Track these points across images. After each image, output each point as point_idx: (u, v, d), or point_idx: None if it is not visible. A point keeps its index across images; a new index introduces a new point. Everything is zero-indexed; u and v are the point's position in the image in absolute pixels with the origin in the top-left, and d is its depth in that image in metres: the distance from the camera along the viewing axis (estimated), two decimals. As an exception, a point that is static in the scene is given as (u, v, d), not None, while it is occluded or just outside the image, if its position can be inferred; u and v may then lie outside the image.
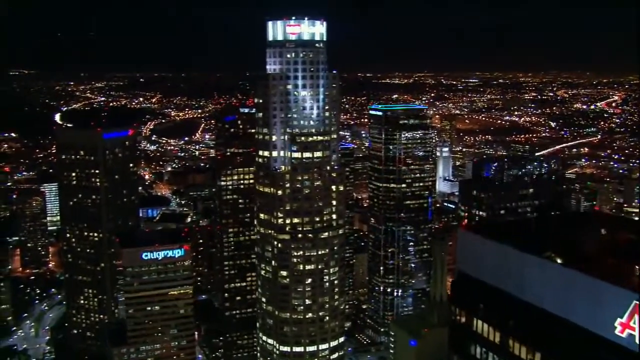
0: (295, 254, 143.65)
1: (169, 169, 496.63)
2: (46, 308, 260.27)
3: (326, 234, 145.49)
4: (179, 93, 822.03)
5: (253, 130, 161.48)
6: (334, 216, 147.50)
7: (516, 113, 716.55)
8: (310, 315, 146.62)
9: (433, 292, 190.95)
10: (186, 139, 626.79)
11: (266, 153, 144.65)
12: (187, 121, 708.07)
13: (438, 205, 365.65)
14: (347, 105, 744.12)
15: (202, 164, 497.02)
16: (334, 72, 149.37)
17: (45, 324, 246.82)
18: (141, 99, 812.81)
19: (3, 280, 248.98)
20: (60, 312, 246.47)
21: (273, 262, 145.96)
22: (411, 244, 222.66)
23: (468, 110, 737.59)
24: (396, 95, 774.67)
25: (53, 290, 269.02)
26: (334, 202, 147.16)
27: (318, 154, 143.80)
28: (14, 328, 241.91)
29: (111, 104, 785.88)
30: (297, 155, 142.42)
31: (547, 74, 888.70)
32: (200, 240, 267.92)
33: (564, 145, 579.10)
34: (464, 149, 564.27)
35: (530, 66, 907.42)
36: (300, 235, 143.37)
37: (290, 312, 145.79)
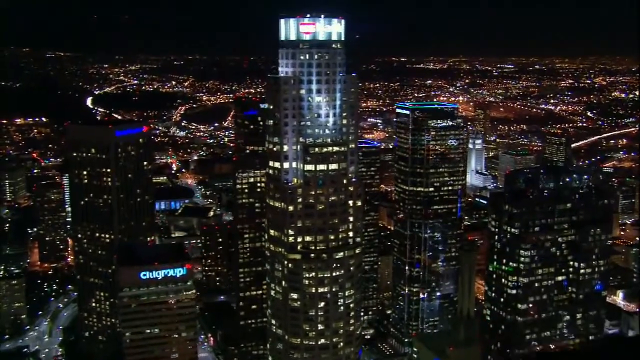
0: (307, 275, 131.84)
1: (196, 157, 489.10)
2: (61, 306, 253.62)
3: (341, 253, 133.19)
4: (211, 77, 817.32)
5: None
6: (350, 234, 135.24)
7: (552, 101, 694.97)
8: (322, 341, 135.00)
9: (460, 307, 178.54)
10: (216, 124, 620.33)
11: (277, 164, 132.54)
12: (218, 106, 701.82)
13: (470, 199, 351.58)
14: (379, 92, 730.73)
15: (230, 152, 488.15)
16: (353, 74, 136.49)
17: (60, 323, 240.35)
18: (174, 82, 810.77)
19: (18, 277, 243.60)
20: (75, 310, 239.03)
21: (283, 282, 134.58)
22: (439, 247, 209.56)
23: (503, 97, 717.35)
24: (430, 81, 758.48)
25: (70, 286, 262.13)
26: (351, 219, 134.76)
27: (333, 166, 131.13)
28: (27, 327, 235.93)
29: (143, 88, 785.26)
30: (310, 167, 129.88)
31: (584, 59, 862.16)
32: (220, 239, 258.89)
33: (601, 136, 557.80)
34: (498, 140, 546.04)
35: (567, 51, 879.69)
36: (312, 255, 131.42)
37: (301, 338, 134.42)
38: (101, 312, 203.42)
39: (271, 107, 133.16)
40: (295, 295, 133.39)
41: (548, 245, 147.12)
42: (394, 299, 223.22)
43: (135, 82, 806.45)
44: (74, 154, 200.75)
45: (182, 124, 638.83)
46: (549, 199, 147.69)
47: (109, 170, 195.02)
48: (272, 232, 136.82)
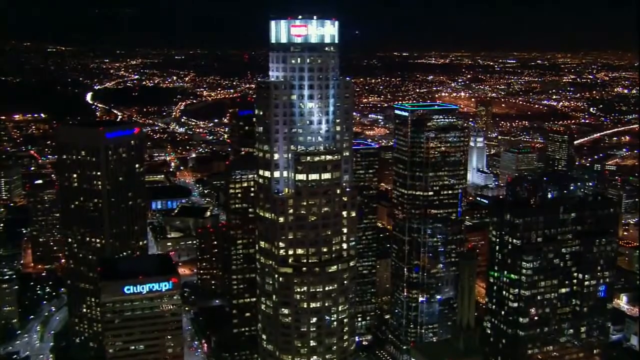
0: (299, 289, 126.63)
1: (194, 154, 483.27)
2: (54, 309, 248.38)
3: (334, 267, 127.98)
4: (212, 72, 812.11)
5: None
6: (344, 246, 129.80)
7: (554, 97, 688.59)
8: (315, 357, 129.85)
9: (459, 317, 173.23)
10: (216, 120, 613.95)
11: (267, 173, 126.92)
12: (218, 102, 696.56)
13: (471, 198, 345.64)
14: (380, 87, 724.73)
15: (229, 149, 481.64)
16: (347, 78, 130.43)
17: (51, 328, 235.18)
18: (174, 77, 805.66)
19: (9, 281, 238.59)
20: (67, 314, 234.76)
21: (274, 297, 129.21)
22: (439, 251, 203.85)
23: (505, 93, 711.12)
24: (431, 77, 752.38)
25: (63, 289, 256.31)
26: (345, 230, 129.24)
27: (326, 175, 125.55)
28: (19, 331, 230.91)
29: (144, 83, 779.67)
30: (301, 177, 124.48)
31: (586, 54, 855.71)
32: (215, 242, 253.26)
33: (604, 133, 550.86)
34: (500, 137, 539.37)
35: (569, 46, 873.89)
36: (304, 269, 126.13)
37: (292, 355, 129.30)
38: (92, 318, 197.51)
39: (261, 113, 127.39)
40: (286, 311, 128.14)
41: (551, 257, 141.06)
42: (393, 304, 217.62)
43: (136, 77, 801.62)
44: (64, 156, 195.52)
45: (182, 119, 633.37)
46: (552, 208, 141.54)
47: (99, 173, 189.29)
48: (262, 243, 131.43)
